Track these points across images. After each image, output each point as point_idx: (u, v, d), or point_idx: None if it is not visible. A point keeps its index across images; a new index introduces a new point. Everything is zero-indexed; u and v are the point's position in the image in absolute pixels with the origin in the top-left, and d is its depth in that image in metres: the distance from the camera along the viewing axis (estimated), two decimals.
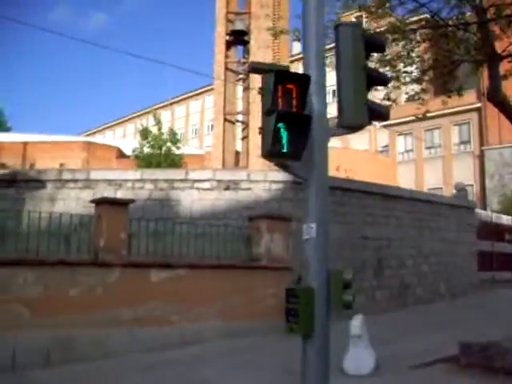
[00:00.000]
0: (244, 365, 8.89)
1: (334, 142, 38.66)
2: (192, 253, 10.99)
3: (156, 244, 10.74)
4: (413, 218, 17.40)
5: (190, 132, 65.56)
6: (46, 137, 36.35)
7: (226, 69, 24.70)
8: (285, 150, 4.34)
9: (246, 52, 25.21)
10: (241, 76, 26.13)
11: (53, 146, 32.94)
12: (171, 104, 65.70)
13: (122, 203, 10.84)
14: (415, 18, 11.89)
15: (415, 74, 11.55)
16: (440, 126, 36.58)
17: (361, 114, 4.64)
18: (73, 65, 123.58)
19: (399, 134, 38.76)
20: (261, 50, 23.42)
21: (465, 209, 20.36)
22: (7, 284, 8.88)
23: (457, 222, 19.45)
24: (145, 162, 26.42)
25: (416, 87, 11.95)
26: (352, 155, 34.49)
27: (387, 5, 10.51)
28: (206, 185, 14.13)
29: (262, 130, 4.37)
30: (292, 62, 27.14)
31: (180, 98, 66.34)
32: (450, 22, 10.74)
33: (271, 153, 4.35)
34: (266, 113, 4.28)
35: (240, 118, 25.83)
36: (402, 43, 10.80)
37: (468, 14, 10.77)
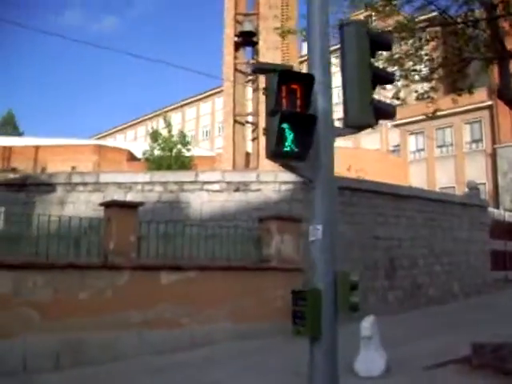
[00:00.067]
0: (254, 367, 8.84)
1: (345, 142, 38.61)
2: (202, 255, 10.95)
3: (166, 246, 10.71)
4: (424, 218, 17.28)
5: (200, 134, 65.63)
6: (58, 140, 36.57)
7: (235, 70, 24.70)
8: (289, 151, 4.29)
9: (255, 53, 25.20)
10: (250, 77, 26.10)
11: (64, 150, 33.15)
12: (182, 106, 65.95)
13: (132, 206, 10.84)
14: (424, 17, 11.81)
15: (424, 72, 11.45)
16: (451, 124, 36.30)
17: (366, 113, 4.58)
18: (83, 68, 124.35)
19: (410, 134, 38.52)
20: (270, 51, 23.38)
21: (477, 207, 20.19)
22: (17, 287, 8.89)
23: (469, 221, 19.29)
24: (155, 164, 26.53)
25: (425, 86, 11.85)
26: (363, 155, 34.41)
27: (394, 2, 10.42)
28: (216, 186, 14.12)
29: (267, 131, 4.33)
30: (301, 62, 27.03)
31: (190, 100, 66.47)
32: (459, 20, 10.64)
33: (276, 153, 4.31)
34: (270, 113, 4.24)
35: (250, 119, 25.81)
36: (410, 42, 10.72)
37: (477, 10, 10.66)
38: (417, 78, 11.46)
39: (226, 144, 25.28)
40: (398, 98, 11.09)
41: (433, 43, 11.55)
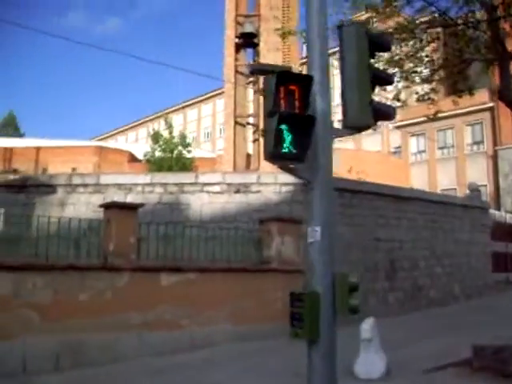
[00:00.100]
0: (254, 368, 8.81)
1: (347, 144, 38.50)
2: (202, 256, 10.93)
3: (166, 248, 10.69)
4: (425, 220, 17.25)
5: (202, 135, 65.62)
6: (59, 142, 36.58)
7: (236, 72, 24.69)
8: (288, 152, 4.27)
9: (256, 54, 25.19)
10: (251, 79, 26.09)
11: (65, 151, 33.17)
12: (183, 108, 65.97)
13: (131, 207, 10.84)
14: (425, 19, 11.79)
15: (425, 73, 11.43)
16: (453, 126, 36.24)
17: (365, 114, 4.55)
18: (85, 70, 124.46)
19: (412, 135, 38.49)
20: (271, 53, 23.36)
21: (478, 209, 20.16)
22: (17, 289, 8.87)
23: (470, 223, 19.26)
24: (156, 165, 26.51)
25: (426, 87, 11.83)
26: (364, 157, 34.39)
27: (395, 4, 10.41)
28: (216, 188, 14.10)
29: (265, 132, 4.31)
30: (302, 64, 26.99)
31: (192, 101, 66.49)
32: (460, 21, 10.62)
33: (274, 155, 4.29)
34: (268, 114, 4.22)
35: (251, 120, 25.79)
36: (411, 43, 10.70)
37: (478, 12, 10.64)
38: (417, 79, 11.44)
39: (226, 145, 25.28)
40: (398, 100, 11.06)
41: (433, 45, 11.53)
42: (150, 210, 12.66)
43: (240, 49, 25.44)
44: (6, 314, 8.61)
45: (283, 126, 4.22)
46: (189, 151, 28.13)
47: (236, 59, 24.87)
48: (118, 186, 14.01)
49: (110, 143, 51.69)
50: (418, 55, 10.89)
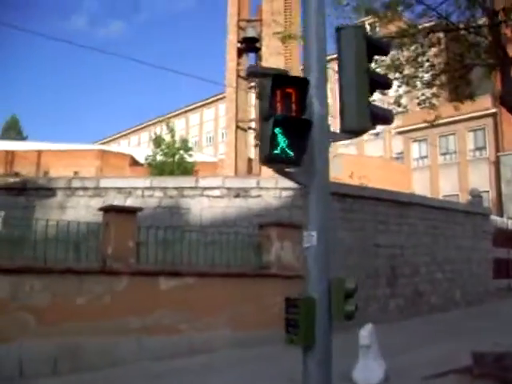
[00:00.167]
0: (252, 374, 8.76)
1: (349, 149, 38.56)
2: (201, 261, 10.88)
3: (165, 252, 10.65)
4: (427, 226, 17.18)
5: (204, 140, 65.67)
6: (61, 145, 36.58)
7: (238, 76, 24.64)
8: (284, 156, 4.22)
9: (258, 59, 25.13)
10: (253, 83, 26.06)
11: (67, 155, 33.13)
12: (185, 112, 66.04)
13: (130, 211, 10.80)
14: (427, 25, 11.75)
15: (426, 78, 11.39)
16: (455, 132, 36.19)
17: (363, 118, 4.49)
18: (88, 73, 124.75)
19: (414, 141, 38.43)
20: (272, 57, 23.31)
21: (480, 215, 20.09)
22: (14, 292, 8.83)
23: (472, 229, 19.18)
24: (157, 169, 26.53)
25: (427, 92, 11.79)
26: (366, 162, 34.36)
27: (397, 8, 10.37)
28: (216, 192, 14.06)
29: (260, 136, 4.27)
30: (304, 69, 26.99)
31: (194, 106, 66.57)
32: (461, 26, 10.59)
33: (269, 159, 4.24)
34: (264, 118, 4.18)
35: (253, 125, 25.75)
36: (412, 48, 10.67)
37: (479, 17, 10.61)
38: (418, 84, 11.40)
39: (228, 150, 25.23)
40: (399, 105, 11.02)
41: (434, 49, 11.49)
42: (149, 213, 12.62)
43: (242, 53, 25.42)
44: (4, 317, 8.57)
45: (279, 130, 4.17)
46: (190, 155, 28.13)
47: (238, 64, 24.84)
48: (118, 189, 13.99)
49: (113, 147, 51.75)
50: (419, 60, 10.85)
